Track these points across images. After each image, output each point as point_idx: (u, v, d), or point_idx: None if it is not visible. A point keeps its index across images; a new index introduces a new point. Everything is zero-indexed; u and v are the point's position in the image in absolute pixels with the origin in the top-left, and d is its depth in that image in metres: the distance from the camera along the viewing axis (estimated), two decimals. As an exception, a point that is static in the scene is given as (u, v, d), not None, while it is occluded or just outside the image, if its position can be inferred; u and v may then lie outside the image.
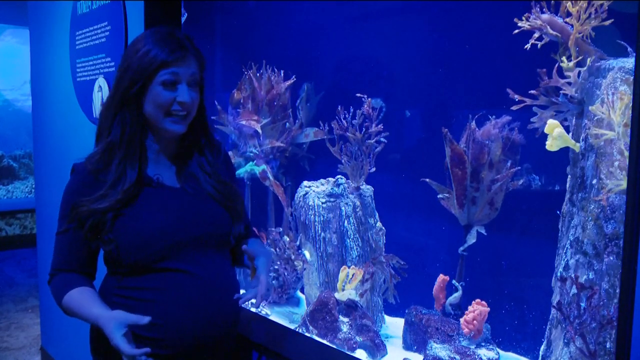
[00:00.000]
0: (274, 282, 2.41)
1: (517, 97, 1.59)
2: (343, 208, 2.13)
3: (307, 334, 1.99)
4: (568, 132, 1.55)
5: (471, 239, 1.88)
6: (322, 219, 2.14)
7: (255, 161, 2.57)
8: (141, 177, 1.31)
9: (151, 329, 1.29)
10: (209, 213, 1.36)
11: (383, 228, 2.20)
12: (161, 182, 1.35)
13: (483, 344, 1.77)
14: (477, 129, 1.83)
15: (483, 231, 1.87)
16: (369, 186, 2.21)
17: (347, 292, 1.98)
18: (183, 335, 1.30)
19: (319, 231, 2.14)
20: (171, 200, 1.34)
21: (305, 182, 2.25)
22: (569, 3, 1.49)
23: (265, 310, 2.30)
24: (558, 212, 1.62)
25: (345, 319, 1.96)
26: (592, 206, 1.42)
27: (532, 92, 1.58)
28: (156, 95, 1.26)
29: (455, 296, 1.90)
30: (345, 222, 2.13)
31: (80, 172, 1.32)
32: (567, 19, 1.51)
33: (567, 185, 1.58)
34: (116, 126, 1.29)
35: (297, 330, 2.03)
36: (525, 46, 1.55)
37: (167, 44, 1.27)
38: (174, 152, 1.39)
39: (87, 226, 1.27)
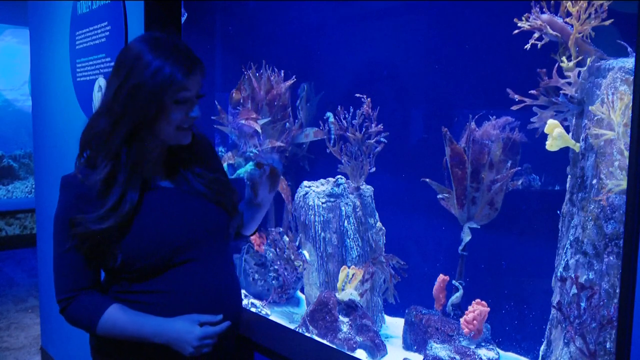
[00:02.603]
0: (273, 282, 2.41)
1: (517, 97, 1.59)
2: (343, 208, 2.13)
3: (307, 334, 1.99)
4: (568, 132, 1.55)
5: (466, 237, 1.88)
6: (322, 219, 2.14)
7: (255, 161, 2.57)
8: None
9: None
10: (206, 210, 1.36)
11: (383, 228, 2.20)
12: (158, 184, 1.34)
13: (483, 344, 1.77)
14: (477, 128, 1.83)
15: (475, 225, 1.87)
16: (369, 186, 2.21)
17: (348, 291, 1.98)
18: None
19: (319, 231, 2.14)
20: (170, 201, 1.33)
21: (305, 182, 2.25)
22: (569, 3, 1.49)
23: (265, 310, 2.30)
24: (558, 212, 1.62)
25: (345, 319, 1.96)
26: (592, 206, 1.42)
27: (532, 92, 1.58)
28: (170, 113, 1.22)
29: (457, 296, 1.90)
30: (345, 222, 2.13)
31: (75, 186, 1.26)
32: (567, 19, 1.51)
33: (567, 185, 1.58)
34: (125, 149, 1.23)
35: (297, 330, 2.03)
36: (525, 46, 1.55)
37: (179, 60, 1.21)
38: (163, 155, 1.37)
39: (87, 246, 1.24)
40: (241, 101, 2.57)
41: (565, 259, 1.52)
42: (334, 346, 1.89)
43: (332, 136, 2.19)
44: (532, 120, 1.61)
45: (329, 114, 2.22)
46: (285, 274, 2.35)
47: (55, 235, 1.30)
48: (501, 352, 1.81)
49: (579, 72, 1.50)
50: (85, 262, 1.28)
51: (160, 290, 1.29)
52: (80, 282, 1.29)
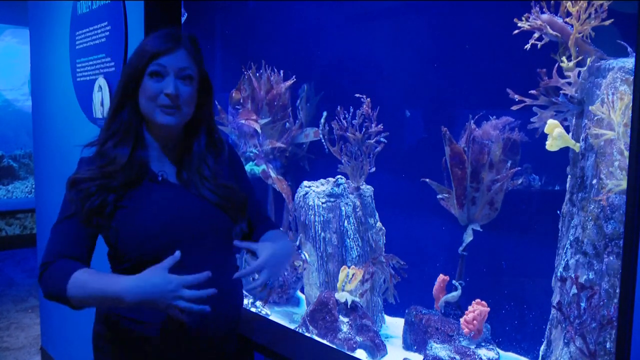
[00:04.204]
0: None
1: (517, 97, 1.59)
2: (343, 208, 2.13)
3: (307, 334, 1.99)
4: (568, 132, 1.55)
5: (468, 238, 1.88)
6: (322, 219, 2.14)
7: (255, 161, 2.57)
8: (145, 170, 1.33)
9: (148, 329, 1.29)
10: (207, 211, 1.36)
11: (383, 228, 2.20)
12: (166, 178, 1.36)
13: (483, 344, 1.77)
14: (477, 128, 1.83)
15: (478, 228, 1.87)
16: (369, 186, 2.21)
17: (344, 294, 1.98)
18: (179, 336, 1.30)
19: (319, 231, 2.14)
20: (174, 197, 1.34)
21: (305, 182, 2.25)
22: (569, 3, 1.49)
23: (265, 310, 2.30)
24: (558, 212, 1.62)
25: (345, 319, 1.96)
26: (592, 206, 1.42)
27: (532, 92, 1.58)
28: (144, 86, 1.28)
29: (453, 295, 1.90)
30: (345, 222, 2.13)
31: (84, 162, 1.35)
32: (567, 19, 1.51)
33: (567, 185, 1.58)
34: (115, 122, 1.32)
35: (297, 330, 2.03)
36: (525, 46, 1.55)
37: (161, 37, 1.29)
38: (176, 151, 1.39)
39: (87, 208, 1.25)
40: (241, 101, 2.57)
41: (565, 259, 1.52)
42: (334, 346, 1.89)
43: (322, 127, 2.20)
44: (532, 120, 1.61)
45: (325, 114, 2.23)
46: (285, 274, 2.35)
47: (61, 205, 1.32)
48: (501, 352, 1.81)
49: (579, 72, 1.50)
50: (79, 234, 1.28)
51: None
52: (65, 250, 1.27)
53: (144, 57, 1.27)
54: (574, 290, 1.42)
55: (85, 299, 1.21)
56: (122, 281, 1.18)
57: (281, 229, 2.48)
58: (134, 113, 1.31)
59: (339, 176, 2.21)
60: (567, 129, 1.55)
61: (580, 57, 1.50)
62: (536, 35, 1.54)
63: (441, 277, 1.95)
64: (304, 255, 2.22)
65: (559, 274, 1.55)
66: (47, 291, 1.26)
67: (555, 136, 1.52)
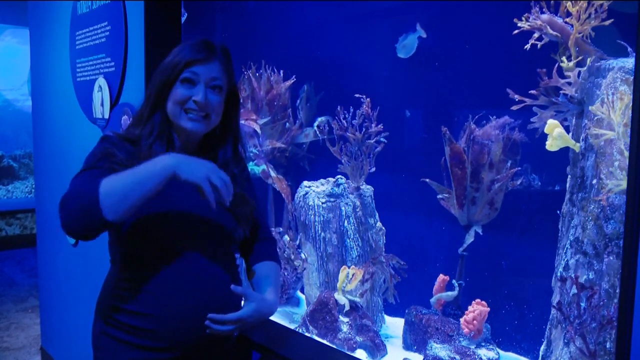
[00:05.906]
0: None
1: (517, 97, 1.59)
2: (343, 208, 2.13)
3: (307, 334, 1.99)
4: (568, 132, 1.55)
5: (469, 238, 1.88)
6: (322, 219, 2.14)
7: (255, 161, 2.57)
8: None
9: (148, 320, 1.29)
10: (217, 211, 1.37)
11: (383, 228, 2.20)
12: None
13: (483, 344, 1.77)
14: (477, 128, 1.83)
15: (480, 230, 1.87)
16: (369, 186, 2.21)
17: (344, 297, 1.98)
18: (179, 328, 1.30)
19: (319, 231, 2.14)
20: (185, 192, 1.35)
21: (305, 182, 2.25)
22: (569, 3, 1.49)
23: (265, 310, 2.29)
24: (558, 212, 1.62)
25: (345, 319, 1.96)
26: (592, 206, 1.42)
27: (532, 92, 1.58)
28: (175, 92, 1.32)
29: (449, 294, 1.90)
30: (345, 222, 2.13)
31: (112, 138, 1.34)
32: (567, 19, 1.51)
33: (567, 185, 1.58)
34: (148, 124, 1.35)
35: (297, 330, 2.03)
36: (525, 46, 1.56)
37: (196, 46, 1.33)
38: (195, 154, 1.40)
39: (108, 167, 1.26)
40: (241, 101, 2.56)
41: (565, 259, 1.52)
42: (334, 346, 1.89)
43: (320, 134, 2.20)
44: (532, 120, 1.62)
45: (322, 118, 2.24)
46: (285, 274, 2.35)
47: (87, 158, 1.30)
48: (501, 352, 1.81)
49: (579, 72, 1.50)
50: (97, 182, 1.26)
51: (153, 279, 1.29)
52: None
53: (179, 64, 1.31)
54: (574, 290, 1.42)
55: (123, 197, 1.12)
56: (166, 156, 1.18)
57: (281, 229, 2.50)
58: (165, 117, 1.36)
59: (339, 176, 2.21)
60: (567, 129, 1.55)
61: (580, 57, 1.50)
62: (536, 35, 1.55)
63: (441, 277, 1.95)
64: (304, 255, 2.22)
65: (559, 274, 1.55)
66: (70, 212, 1.13)
67: (555, 136, 1.52)
